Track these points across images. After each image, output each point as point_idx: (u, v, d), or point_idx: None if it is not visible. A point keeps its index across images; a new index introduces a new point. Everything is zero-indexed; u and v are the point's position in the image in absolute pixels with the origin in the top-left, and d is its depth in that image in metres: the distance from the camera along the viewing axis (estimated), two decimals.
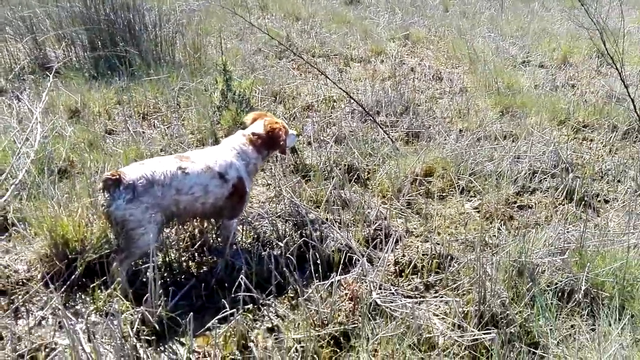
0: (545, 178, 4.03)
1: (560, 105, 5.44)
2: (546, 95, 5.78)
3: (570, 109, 5.38)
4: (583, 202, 3.72)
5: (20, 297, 2.70)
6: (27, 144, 3.78)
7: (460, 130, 4.87)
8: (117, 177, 2.60)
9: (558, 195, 3.79)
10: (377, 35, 8.49)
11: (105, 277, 2.74)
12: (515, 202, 3.78)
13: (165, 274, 2.96)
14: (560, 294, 2.73)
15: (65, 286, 2.76)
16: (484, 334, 2.42)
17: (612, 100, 5.65)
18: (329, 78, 5.01)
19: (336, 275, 2.64)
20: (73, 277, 2.79)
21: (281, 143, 3.08)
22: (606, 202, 3.89)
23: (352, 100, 5.18)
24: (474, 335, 2.45)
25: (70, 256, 2.84)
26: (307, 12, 9.83)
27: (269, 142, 3.09)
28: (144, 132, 4.51)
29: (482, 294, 2.59)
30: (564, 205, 3.68)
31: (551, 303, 2.61)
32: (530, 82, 6.37)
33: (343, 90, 4.82)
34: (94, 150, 4.06)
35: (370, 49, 7.73)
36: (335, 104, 5.55)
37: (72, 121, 4.63)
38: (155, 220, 2.70)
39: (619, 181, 4.11)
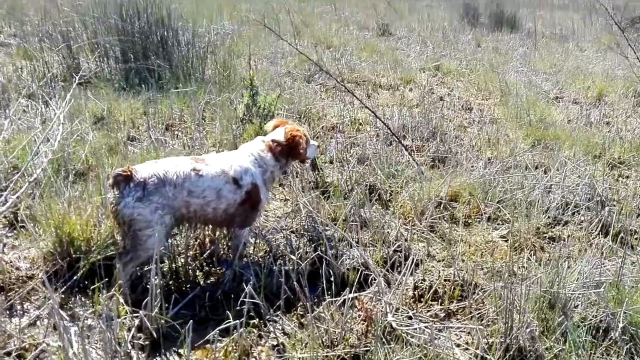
0: (578, 211, 3.79)
1: (595, 140, 5.21)
2: (580, 130, 5.55)
3: (606, 144, 5.13)
4: (619, 238, 3.45)
5: (17, 294, 2.59)
6: (47, 145, 3.77)
7: (489, 159, 4.68)
8: (129, 173, 2.51)
9: (592, 229, 3.54)
10: (407, 65, 8.44)
11: (107, 279, 2.62)
12: (546, 234, 3.54)
13: (170, 282, 2.82)
14: (594, 330, 2.48)
15: (65, 286, 2.65)
16: None
17: None
18: (355, 96, 4.92)
19: (350, 293, 2.45)
20: (75, 277, 2.68)
21: (301, 151, 2.96)
22: None
23: (378, 124, 5.07)
24: None
25: (74, 256, 2.74)
26: (338, 41, 9.90)
27: (288, 150, 2.97)
28: (165, 141, 4.47)
29: (509, 324, 2.36)
30: (598, 239, 3.42)
31: (585, 340, 2.37)
32: (563, 117, 6.15)
33: (369, 109, 4.72)
34: (113, 155, 4.02)
35: (399, 77, 7.66)
36: (360, 126, 5.45)
37: (96, 127, 4.62)
38: (164, 221, 2.59)
39: None
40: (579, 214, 3.78)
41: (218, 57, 6.54)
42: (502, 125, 5.67)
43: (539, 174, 4.27)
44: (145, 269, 2.77)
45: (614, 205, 3.91)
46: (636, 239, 3.61)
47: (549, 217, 3.69)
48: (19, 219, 3.15)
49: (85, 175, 3.75)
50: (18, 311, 2.54)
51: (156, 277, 2.35)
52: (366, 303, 2.45)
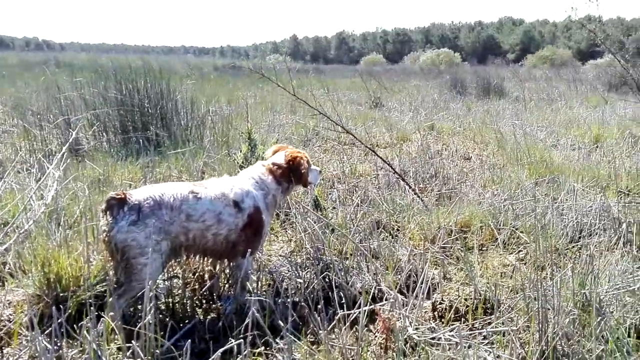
0: (594, 231, 3.61)
1: (601, 172, 5.12)
2: (583, 166, 5.49)
3: (612, 176, 5.04)
4: None
5: None
6: (40, 201, 3.67)
7: (494, 194, 4.56)
8: (123, 196, 2.39)
9: (615, 245, 3.34)
10: (401, 127, 8.57)
11: (98, 315, 2.39)
12: (567, 251, 3.33)
13: (166, 319, 2.58)
14: (635, 333, 2.23)
15: (51, 327, 2.42)
16: None
17: None
18: (361, 141, 4.90)
19: (364, 306, 2.23)
20: (62, 317, 2.45)
21: (303, 172, 2.85)
22: None
23: (378, 171, 5.02)
24: None
25: (62, 295, 2.53)
26: (333, 113, 10.13)
27: (289, 173, 2.87)
28: None
29: (543, 326, 2.12)
30: (622, 250, 3.21)
31: (628, 341, 2.12)
32: (563, 158, 6.12)
33: (372, 150, 4.66)
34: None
35: (395, 136, 7.74)
36: (361, 176, 5.38)
37: (93, 187, 4.54)
38: (160, 248, 2.42)
39: None
40: (596, 234, 3.60)
41: (217, 125, 6.64)
42: (503, 167, 5.62)
43: (548, 201, 4.14)
44: (139, 306, 2.55)
45: (632, 224, 3.73)
46: None
47: (566, 237, 3.51)
48: (6, 269, 2.97)
49: (77, 223, 3.61)
50: None
51: (151, 304, 2.14)
52: (384, 314, 2.21)
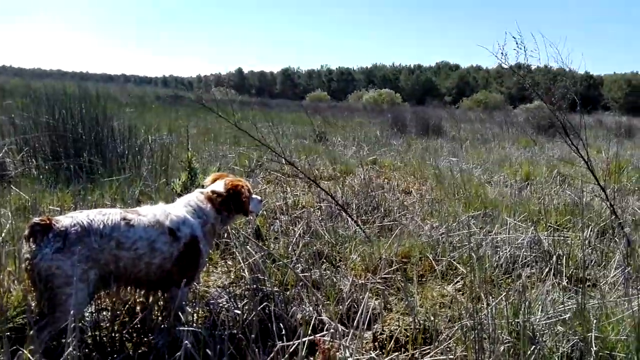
0: (527, 263, 3.76)
1: (532, 207, 5.39)
2: (515, 202, 5.75)
3: (542, 212, 5.31)
4: (572, 281, 3.40)
5: None
6: None
7: (433, 227, 4.66)
8: (47, 222, 2.23)
9: (546, 276, 3.48)
10: (345, 161, 8.70)
11: (16, 349, 2.18)
12: (500, 283, 3.43)
13: (93, 354, 2.40)
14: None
15: None
16: None
17: (581, 205, 5.65)
18: (305, 175, 4.89)
19: (304, 337, 2.16)
20: None
21: (244, 200, 2.79)
22: (594, 285, 3.59)
23: (319, 203, 5.02)
24: None
25: None
26: (276, 145, 10.14)
27: (230, 201, 2.79)
28: None
29: (481, 357, 2.14)
30: (553, 281, 3.35)
31: None
32: (496, 194, 6.39)
33: (315, 183, 4.67)
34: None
35: (338, 169, 7.83)
36: (304, 207, 5.36)
37: (17, 214, 4.24)
38: (87, 277, 2.27)
39: (604, 267, 3.85)
40: (529, 266, 3.74)
41: (156, 154, 6.45)
42: (441, 201, 5.78)
43: (483, 233, 4.28)
44: (64, 340, 2.35)
45: (561, 257, 3.92)
46: (588, 285, 3.58)
47: (500, 269, 3.62)
48: None
49: None
50: None
51: (74, 335, 1.97)
52: (324, 344, 2.16)
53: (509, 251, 3.89)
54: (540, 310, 2.61)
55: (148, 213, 2.54)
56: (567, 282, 3.31)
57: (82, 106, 6.23)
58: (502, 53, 4.13)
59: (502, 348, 2.18)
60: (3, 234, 3.55)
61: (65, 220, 2.28)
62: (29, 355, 2.00)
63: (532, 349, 2.25)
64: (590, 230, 4.77)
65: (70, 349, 1.82)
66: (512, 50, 4.40)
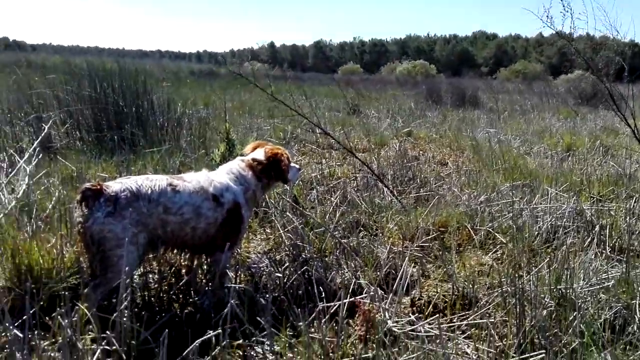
0: (568, 232, 3.69)
1: (573, 178, 5.25)
2: (557, 172, 5.62)
3: (584, 182, 5.18)
4: (616, 250, 3.33)
5: None
6: (11, 196, 3.55)
7: (471, 197, 4.62)
8: (98, 188, 2.33)
9: (588, 245, 3.42)
10: (379, 133, 8.64)
11: (72, 306, 2.31)
12: (541, 252, 3.39)
13: (142, 313, 2.52)
14: (610, 328, 2.28)
15: (21, 320, 2.33)
16: (531, 356, 1.94)
17: (625, 176, 5.47)
18: (340, 143, 4.90)
19: (344, 298, 2.21)
20: (36, 307, 2.36)
21: (283, 168, 2.84)
22: (638, 256, 3.50)
23: (355, 174, 5.03)
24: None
25: (33, 286, 2.44)
26: (313, 116, 10.15)
27: (270, 169, 2.84)
28: None
29: (522, 321, 2.15)
30: (596, 250, 3.29)
31: (603, 335, 2.16)
32: (537, 165, 6.25)
33: (352, 153, 4.67)
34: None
35: (373, 142, 7.79)
36: (339, 179, 5.39)
37: (65, 183, 4.43)
38: (137, 240, 2.36)
39: None
40: (570, 236, 3.67)
41: (194, 126, 6.58)
42: (479, 172, 5.70)
43: (523, 203, 4.21)
44: (114, 300, 2.48)
45: (604, 227, 3.83)
46: (632, 256, 3.49)
47: (541, 238, 3.57)
48: None
49: (49, 218, 3.51)
50: None
51: (127, 292, 2.08)
52: (364, 306, 2.20)
53: (550, 221, 3.82)
54: (582, 278, 2.58)
55: (193, 180, 2.61)
56: (610, 252, 3.24)
57: (122, 81, 6.38)
58: (547, 16, 3.96)
59: (544, 312, 2.18)
60: (54, 200, 3.74)
61: (115, 186, 2.37)
62: (85, 311, 2.12)
63: (574, 314, 2.24)
64: (635, 201, 4.63)
65: (124, 303, 1.92)
66: (558, 14, 4.22)
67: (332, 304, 2.23)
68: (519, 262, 3.14)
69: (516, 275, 2.57)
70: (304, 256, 2.98)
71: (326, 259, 3.04)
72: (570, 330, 2.15)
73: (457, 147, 7.56)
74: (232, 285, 2.37)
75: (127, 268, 2.28)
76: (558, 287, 2.38)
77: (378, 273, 2.91)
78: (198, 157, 5.11)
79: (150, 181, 2.46)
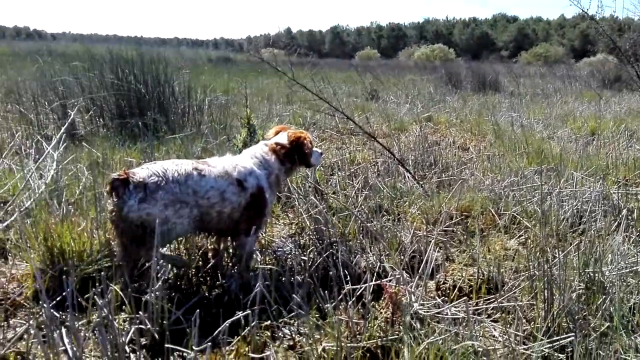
0: (595, 217, 3.63)
1: (599, 162, 5.16)
2: (581, 156, 5.52)
3: (609, 166, 5.08)
4: None
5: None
6: (40, 181, 3.63)
7: (495, 181, 4.58)
8: (125, 176, 2.35)
9: (615, 230, 3.37)
10: (399, 118, 8.58)
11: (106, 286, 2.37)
12: (567, 235, 3.36)
13: (172, 293, 2.57)
14: (639, 312, 2.26)
15: (56, 300, 2.41)
16: (561, 339, 1.93)
17: None
18: (362, 128, 4.89)
19: (371, 281, 2.23)
20: (71, 286, 2.43)
21: (306, 152, 2.85)
22: None
23: (376, 159, 5.02)
24: (546, 344, 1.97)
25: (65, 269, 2.51)
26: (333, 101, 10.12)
27: (293, 153, 2.86)
28: None
29: (550, 305, 2.14)
30: (623, 235, 3.24)
31: (633, 319, 2.14)
32: (561, 149, 6.15)
33: (373, 137, 4.66)
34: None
35: (393, 127, 7.75)
36: (360, 164, 5.38)
37: (92, 168, 4.51)
38: (182, 214, 2.41)
39: None
40: (597, 220, 3.62)
41: (214, 113, 6.62)
42: (501, 157, 5.64)
43: (548, 188, 4.16)
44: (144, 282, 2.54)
45: (631, 211, 3.77)
46: None
47: (567, 222, 3.53)
48: (6, 248, 2.95)
49: (77, 203, 3.58)
50: (3, 327, 2.27)
51: (162, 272, 2.13)
52: (390, 288, 2.21)
53: (576, 205, 3.77)
54: (610, 262, 2.55)
55: (217, 164, 2.64)
56: (637, 236, 3.19)
57: (143, 68, 6.43)
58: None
59: (573, 295, 2.16)
60: (81, 186, 3.81)
61: (141, 172, 2.40)
62: (119, 292, 2.18)
63: (602, 298, 2.22)
64: None
65: (159, 283, 1.96)
66: None
67: (358, 286, 2.25)
68: (544, 246, 3.11)
69: (544, 258, 2.55)
70: (328, 240, 3.00)
71: (350, 243, 3.05)
72: (599, 314, 2.14)
73: (478, 132, 7.47)
74: (260, 266, 2.40)
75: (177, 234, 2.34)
76: (586, 270, 2.36)
77: (402, 257, 2.92)
78: (219, 142, 5.15)
79: (177, 165, 2.49)
